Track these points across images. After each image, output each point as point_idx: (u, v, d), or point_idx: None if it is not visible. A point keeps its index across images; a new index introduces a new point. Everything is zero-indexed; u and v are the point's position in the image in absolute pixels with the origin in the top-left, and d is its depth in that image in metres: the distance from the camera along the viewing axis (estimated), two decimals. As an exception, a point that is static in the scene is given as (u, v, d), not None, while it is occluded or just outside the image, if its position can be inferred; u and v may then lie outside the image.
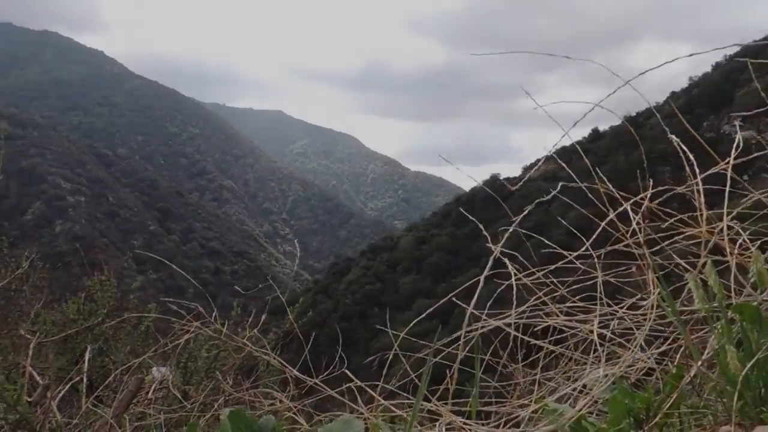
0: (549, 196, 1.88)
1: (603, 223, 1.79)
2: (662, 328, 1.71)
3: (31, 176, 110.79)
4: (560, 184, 1.95)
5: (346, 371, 1.83)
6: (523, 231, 1.99)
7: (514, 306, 1.80)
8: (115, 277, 3.45)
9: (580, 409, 1.44)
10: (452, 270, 73.29)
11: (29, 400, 2.37)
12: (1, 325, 2.83)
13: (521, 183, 2.13)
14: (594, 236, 1.84)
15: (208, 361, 2.84)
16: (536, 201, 1.86)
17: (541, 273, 1.93)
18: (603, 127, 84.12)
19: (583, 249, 1.89)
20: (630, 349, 1.63)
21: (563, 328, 1.88)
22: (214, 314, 2.60)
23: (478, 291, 1.63)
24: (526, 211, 1.82)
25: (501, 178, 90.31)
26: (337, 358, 2.40)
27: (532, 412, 1.62)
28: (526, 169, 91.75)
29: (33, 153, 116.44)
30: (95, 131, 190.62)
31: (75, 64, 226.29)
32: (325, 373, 2.16)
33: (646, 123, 74.44)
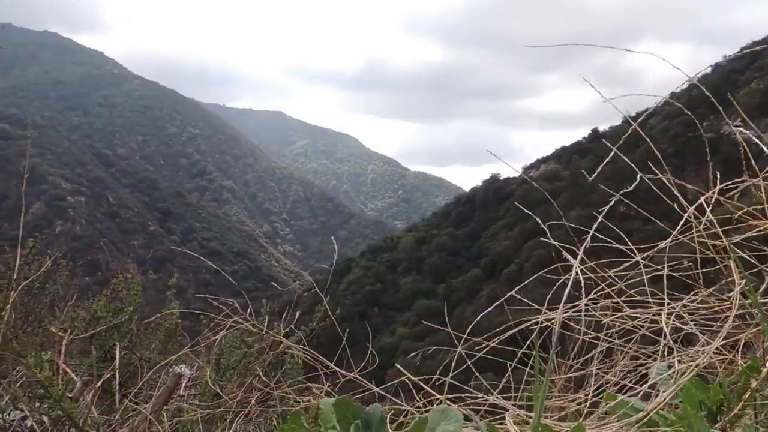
0: (631, 187, 1.88)
1: (684, 218, 1.79)
2: (710, 322, 1.71)
3: (32, 176, 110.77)
4: (639, 175, 1.95)
5: (398, 366, 1.83)
6: (571, 225, 1.98)
7: (584, 297, 1.79)
8: (137, 276, 3.47)
9: (660, 403, 1.43)
10: (452, 270, 73.32)
11: (69, 396, 2.41)
12: (28, 322, 2.85)
13: (595, 174, 2.09)
14: (677, 229, 1.83)
15: (239, 357, 2.86)
16: (621, 192, 1.86)
17: (614, 269, 1.91)
18: (603, 127, 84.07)
19: (671, 238, 1.87)
20: (705, 341, 1.63)
21: (614, 322, 1.87)
22: (249, 309, 2.63)
23: (568, 288, 1.62)
24: (612, 202, 1.81)
25: (501, 178, 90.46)
26: (368, 355, 2.42)
27: (591, 405, 1.62)
28: (527, 170, 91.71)
29: (33, 153, 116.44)
30: (95, 131, 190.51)
31: (75, 64, 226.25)
32: (360, 367, 2.18)
33: (646, 123, 74.46)
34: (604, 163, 2.00)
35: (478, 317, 1.89)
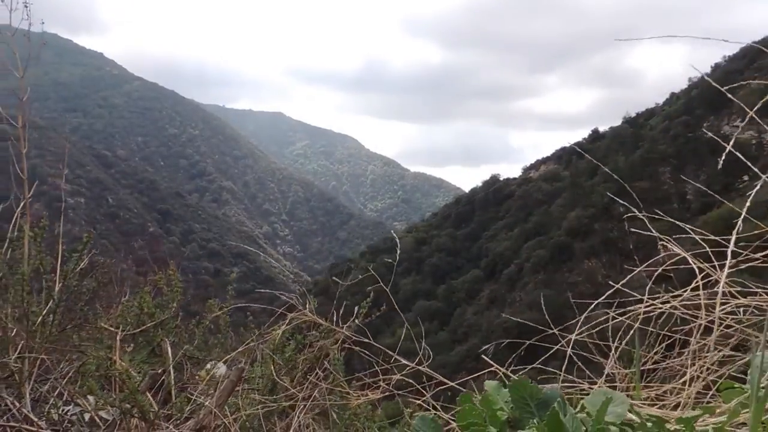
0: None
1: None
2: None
3: (31, 177, 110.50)
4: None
5: (485, 357, 1.82)
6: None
7: (704, 284, 1.76)
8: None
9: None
10: (452, 271, 73.34)
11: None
12: (68, 319, 2.86)
13: (723, 156, 2.06)
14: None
15: (292, 352, 2.89)
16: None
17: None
18: (603, 127, 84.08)
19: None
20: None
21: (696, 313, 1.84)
22: (307, 305, 2.66)
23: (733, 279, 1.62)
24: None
25: (501, 178, 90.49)
26: (421, 350, 2.42)
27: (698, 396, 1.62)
28: (526, 170, 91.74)
29: (33, 155, 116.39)
30: (95, 133, 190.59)
31: (75, 65, 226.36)
32: (429, 360, 2.17)
33: (646, 124, 74.49)
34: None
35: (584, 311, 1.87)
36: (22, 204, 2.92)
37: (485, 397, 1.34)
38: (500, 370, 1.71)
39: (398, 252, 3.48)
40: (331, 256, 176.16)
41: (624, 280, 1.86)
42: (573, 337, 1.77)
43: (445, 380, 1.81)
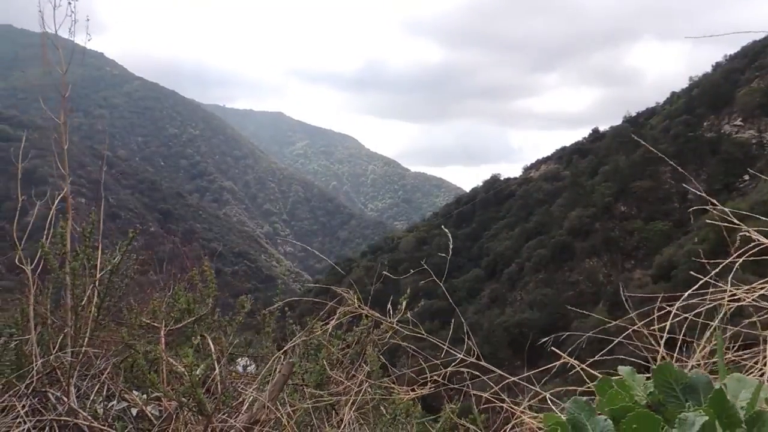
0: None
1: None
2: None
3: (32, 178, 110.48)
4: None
5: (554, 350, 1.82)
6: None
7: None
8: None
9: None
10: (453, 271, 73.31)
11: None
12: (101, 315, 2.89)
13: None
14: None
15: (335, 345, 2.92)
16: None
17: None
18: (603, 127, 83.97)
19: None
20: None
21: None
22: (356, 295, 2.71)
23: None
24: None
25: (501, 178, 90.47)
26: (466, 344, 2.44)
27: None
28: (527, 170, 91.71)
29: (33, 155, 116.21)
30: (96, 133, 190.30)
31: (75, 65, 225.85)
32: (470, 356, 2.17)
33: (646, 123, 74.40)
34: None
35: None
36: (59, 197, 3.00)
37: (621, 383, 1.34)
38: (577, 365, 1.72)
39: (450, 246, 3.50)
40: (332, 256, 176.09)
41: (713, 272, 1.85)
42: (667, 332, 1.72)
43: (506, 375, 1.82)
